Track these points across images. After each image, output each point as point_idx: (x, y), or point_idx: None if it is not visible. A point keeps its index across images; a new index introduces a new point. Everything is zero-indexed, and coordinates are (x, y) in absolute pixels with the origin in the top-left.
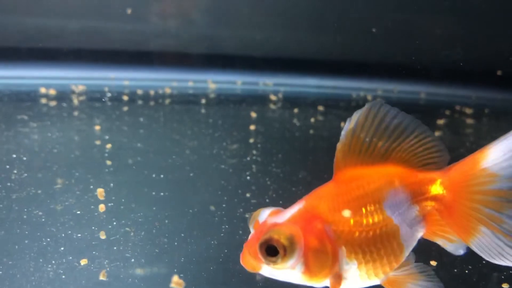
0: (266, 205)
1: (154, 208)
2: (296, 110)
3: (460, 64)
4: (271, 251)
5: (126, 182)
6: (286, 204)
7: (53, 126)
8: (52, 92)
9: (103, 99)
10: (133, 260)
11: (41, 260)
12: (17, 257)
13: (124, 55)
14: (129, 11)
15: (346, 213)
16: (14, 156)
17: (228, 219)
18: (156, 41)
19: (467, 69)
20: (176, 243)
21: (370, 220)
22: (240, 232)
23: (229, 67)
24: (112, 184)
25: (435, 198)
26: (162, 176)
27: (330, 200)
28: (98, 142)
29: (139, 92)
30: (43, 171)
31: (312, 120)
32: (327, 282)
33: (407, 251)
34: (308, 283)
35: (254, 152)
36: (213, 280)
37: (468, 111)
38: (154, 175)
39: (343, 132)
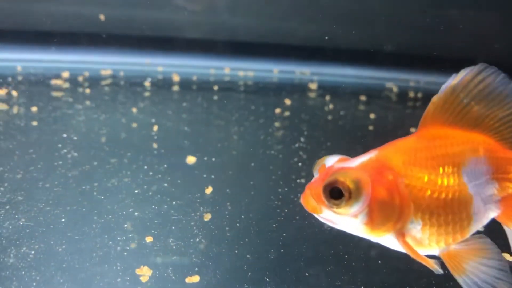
0: None
1: (210, 190)
2: (334, 99)
3: (500, 57)
4: (335, 194)
5: (178, 164)
6: None
7: (98, 109)
8: (93, 76)
9: (144, 84)
10: (198, 239)
11: (106, 236)
12: (81, 232)
13: (162, 41)
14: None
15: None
16: (65, 135)
17: (284, 204)
18: (194, 28)
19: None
20: (237, 224)
21: (445, 182)
22: (297, 217)
23: (267, 55)
24: (165, 165)
25: None
26: (213, 159)
27: (406, 154)
28: (144, 125)
29: (176, 78)
30: (94, 150)
31: (353, 109)
32: (385, 238)
33: (475, 227)
34: (367, 236)
35: (302, 139)
36: (274, 263)
37: None
38: (205, 158)
39: (443, 86)
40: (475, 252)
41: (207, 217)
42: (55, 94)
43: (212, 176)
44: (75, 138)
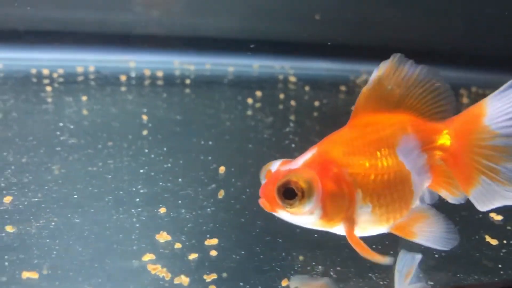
0: None
1: (211, 169)
2: (314, 90)
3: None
4: (288, 194)
5: (178, 148)
6: None
7: (88, 101)
8: (74, 72)
9: (129, 79)
10: (208, 210)
11: (120, 209)
12: (95, 206)
13: (139, 39)
14: None
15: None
16: (61, 124)
17: None
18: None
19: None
20: (244, 196)
21: (385, 164)
22: None
23: (247, 51)
24: (165, 148)
25: (441, 147)
26: (210, 143)
27: (344, 145)
28: (135, 115)
29: (160, 73)
30: (91, 137)
31: (333, 98)
32: (340, 227)
33: (416, 200)
34: (323, 228)
35: (291, 124)
36: (284, 226)
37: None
38: (202, 142)
39: (370, 79)
40: (418, 219)
41: (221, 193)
42: (40, 89)
43: (209, 158)
44: (71, 126)
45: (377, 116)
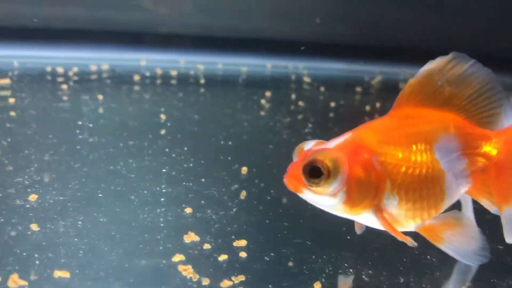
0: None
1: (233, 169)
2: (329, 91)
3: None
4: (314, 172)
5: (198, 147)
6: None
7: (104, 100)
8: (86, 71)
9: (143, 78)
10: (234, 210)
11: (146, 209)
12: (121, 205)
13: (152, 38)
14: None
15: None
16: (80, 123)
17: None
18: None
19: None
20: (268, 198)
21: (419, 158)
22: None
23: (259, 51)
24: (185, 148)
25: (485, 155)
26: (230, 143)
27: (380, 133)
28: (153, 114)
29: (174, 73)
30: (111, 136)
31: (348, 99)
32: (363, 216)
33: (448, 202)
34: (346, 214)
35: (309, 125)
36: (311, 228)
37: None
38: (222, 142)
39: (420, 70)
40: (449, 225)
41: (243, 194)
42: (55, 87)
43: (229, 158)
44: (90, 125)
45: (420, 110)
